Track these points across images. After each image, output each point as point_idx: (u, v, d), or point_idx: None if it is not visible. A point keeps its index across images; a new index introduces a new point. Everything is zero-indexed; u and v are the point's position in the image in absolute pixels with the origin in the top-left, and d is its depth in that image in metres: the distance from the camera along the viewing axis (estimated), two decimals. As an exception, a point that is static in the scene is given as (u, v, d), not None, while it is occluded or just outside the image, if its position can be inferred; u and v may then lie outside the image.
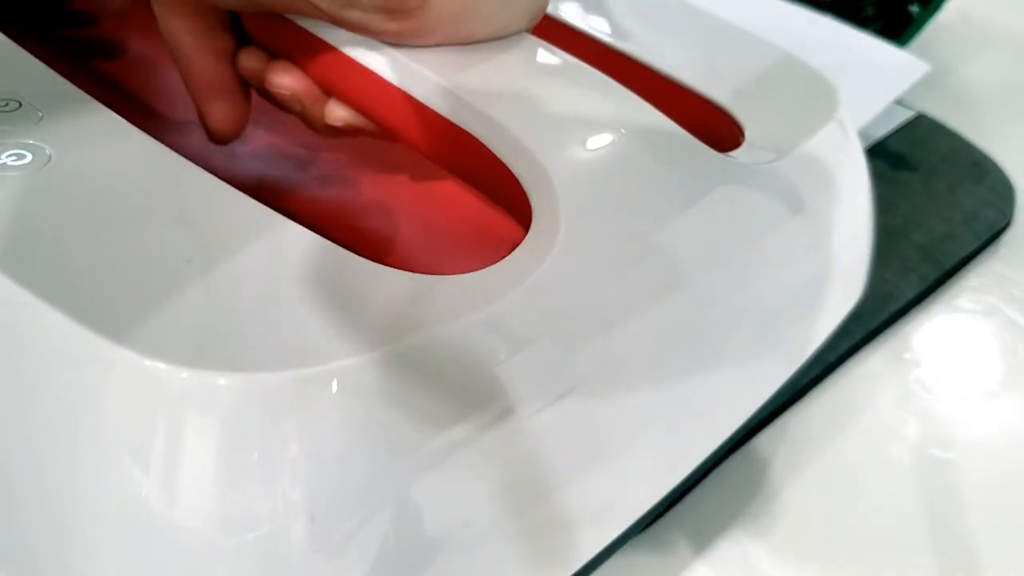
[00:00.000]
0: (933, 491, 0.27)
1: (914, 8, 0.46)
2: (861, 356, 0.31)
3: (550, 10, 0.24)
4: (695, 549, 0.25)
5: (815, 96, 0.27)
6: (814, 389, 0.30)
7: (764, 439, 0.28)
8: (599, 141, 0.21)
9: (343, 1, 0.20)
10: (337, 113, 0.23)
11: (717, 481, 0.27)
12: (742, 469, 0.27)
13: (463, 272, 0.18)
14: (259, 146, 0.26)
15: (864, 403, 0.29)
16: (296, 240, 0.18)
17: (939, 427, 0.29)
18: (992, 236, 0.35)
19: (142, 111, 0.29)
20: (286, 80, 0.23)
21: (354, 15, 0.20)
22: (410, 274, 0.18)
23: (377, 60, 0.22)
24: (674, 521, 0.25)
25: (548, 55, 0.23)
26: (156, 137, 0.21)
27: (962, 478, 0.27)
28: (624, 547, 0.22)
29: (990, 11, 0.50)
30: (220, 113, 0.24)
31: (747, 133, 0.24)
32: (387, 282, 0.18)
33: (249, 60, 0.23)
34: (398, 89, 0.22)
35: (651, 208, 0.21)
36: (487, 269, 0.18)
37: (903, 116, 0.40)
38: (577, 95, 0.22)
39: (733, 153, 0.23)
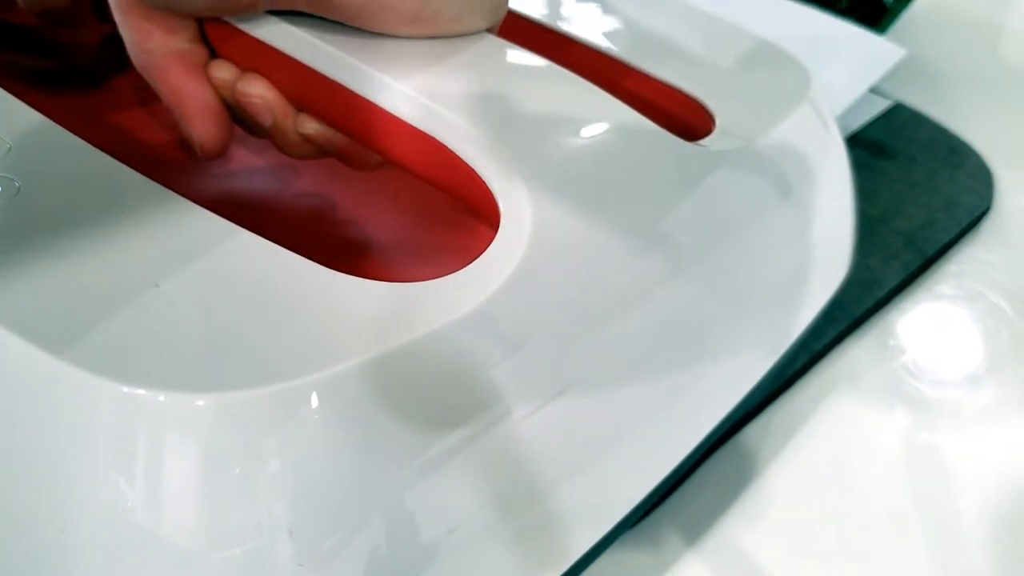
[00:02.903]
0: (921, 476, 0.27)
1: (888, -1, 0.46)
2: (846, 344, 0.31)
3: (515, 5, 0.24)
4: (686, 542, 0.25)
5: (786, 78, 0.27)
6: (800, 379, 0.30)
7: (752, 430, 0.28)
8: (565, 140, 0.21)
9: None
10: (309, 123, 0.23)
11: (706, 474, 0.26)
12: (731, 461, 0.27)
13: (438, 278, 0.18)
14: (231, 164, 0.26)
15: (850, 391, 0.29)
16: (266, 255, 0.18)
17: (926, 412, 0.29)
18: (972, 222, 0.35)
19: (115, 138, 0.29)
20: (257, 89, 0.23)
21: None
22: (377, 283, 0.18)
23: (342, 71, 0.22)
24: (664, 515, 0.25)
25: (511, 55, 0.23)
26: (131, 162, 0.20)
27: (950, 462, 0.27)
28: (615, 543, 0.22)
29: (962, 0, 0.51)
30: (203, 127, 0.24)
31: (718, 120, 0.24)
32: (358, 293, 0.18)
33: (220, 71, 0.23)
34: (364, 99, 0.22)
35: (621, 202, 0.21)
36: (456, 273, 0.18)
37: (881, 105, 0.41)
38: (541, 94, 0.22)
39: (704, 141, 0.23)
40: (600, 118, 0.22)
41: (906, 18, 0.46)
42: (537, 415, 0.18)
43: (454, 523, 0.18)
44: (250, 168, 0.28)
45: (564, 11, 0.28)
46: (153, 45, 0.23)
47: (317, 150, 0.24)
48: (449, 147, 0.21)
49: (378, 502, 0.17)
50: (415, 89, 0.21)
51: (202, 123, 0.23)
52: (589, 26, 0.27)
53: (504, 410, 0.18)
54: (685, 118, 0.25)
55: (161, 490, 0.16)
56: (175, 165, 0.27)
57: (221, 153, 0.24)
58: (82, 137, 0.21)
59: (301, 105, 0.23)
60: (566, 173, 0.20)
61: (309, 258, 0.18)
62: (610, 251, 0.20)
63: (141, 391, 0.15)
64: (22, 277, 0.17)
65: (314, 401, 0.16)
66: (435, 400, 0.17)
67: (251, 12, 0.22)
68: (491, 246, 0.19)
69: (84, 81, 0.31)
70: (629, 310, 0.20)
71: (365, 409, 0.16)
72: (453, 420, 0.17)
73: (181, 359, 0.16)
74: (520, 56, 0.23)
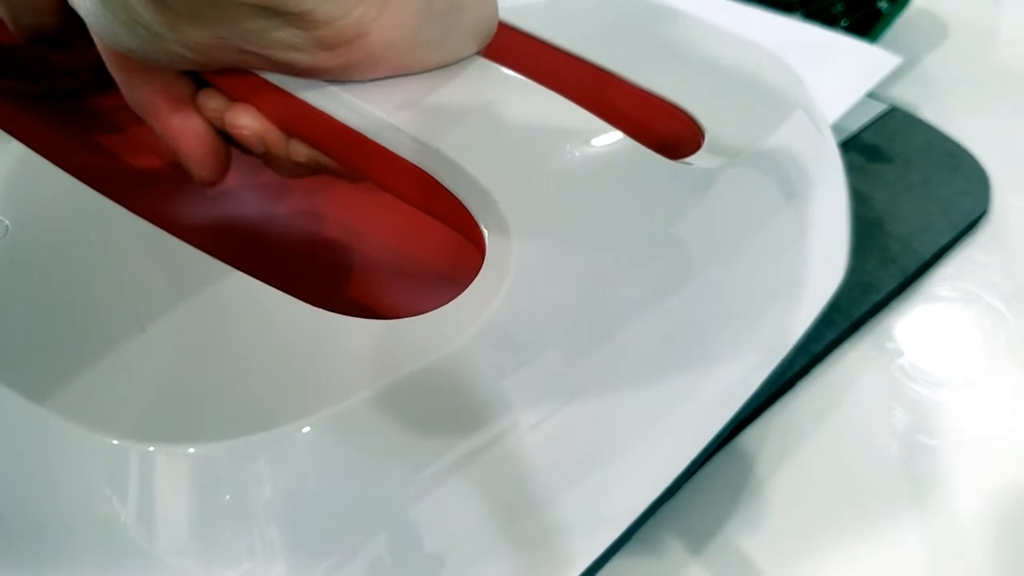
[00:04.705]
0: (920, 478, 0.27)
1: (882, 4, 0.47)
2: (844, 348, 0.31)
3: (503, 15, 0.24)
4: (686, 547, 0.25)
5: (778, 85, 0.26)
6: (798, 382, 0.30)
7: (750, 434, 0.28)
8: (548, 167, 0.21)
9: (286, 44, 0.20)
10: (301, 149, 0.23)
11: (706, 478, 0.27)
12: (730, 465, 0.27)
13: (431, 306, 0.18)
14: (224, 184, 0.26)
15: (849, 394, 0.29)
16: (254, 296, 0.18)
17: (924, 415, 0.29)
18: (969, 225, 0.36)
19: (107, 160, 0.29)
20: (247, 120, 0.23)
21: (300, 58, 0.21)
22: (366, 321, 0.18)
23: (329, 101, 0.22)
24: (664, 520, 0.25)
25: (495, 79, 0.23)
26: (122, 185, 0.20)
27: (948, 464, 0.27)
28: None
29: (955, 5, 0.51)
30: (198, 158, 0.24)
31: (707, 133, 0.24)
32: (347, 332, 0.18)
33: (209, 101, 0.23)
34: (352, 129, 0.22)
35: (606, 227, 0.20)
36: (444, 308, 0.18)
37: (876, 109, 0.41)
38: (524, 120, 0.22)
39: (691, 158, 0.23)
40: (585, 142, 0.22)
41: (901, 22, 0.47)
42: (535, 434, 0.18)
43: (449, 551, 0.18)
44: (242, 188, 0.28)
45: (552, 20, 0.28)
46: (139, 82, 0.23)
47: (309, 171, 0.24)
48: (435, 177, 0.21)
49: (372, 535, 0.17)
50: (401, 120, 0.21)
51: (197, 155, 0.24)
52: (577, 35, 0.27)
53: (501, 430, 0.18)
54: (673, 132, 0.25)
55: (155, 542, 0.16)
56: (167, 186, 0.27)
57: (220, 180, 0.24)
58: (73, 160, 0.21)
59: (291, 133, 0.23)
60: (550, 201, 0.20)
61: (300, 286, 0.18)
62: (596, 275, 0.20)
63: (131, 443, 0.15)
64: (10, 324, 0.17)
65: (304, 445, 0.16)
66: (428, 432, 0.17)
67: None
68: (477, 278, 0.19)
69: (75, 102, 0.31)
70: (622, 328, 0.20)
71: (355, 450, 0.16)
72: (448, 448, 0.17)
73: (170, 407, 0.16)
74: (504, 79, 0.23)
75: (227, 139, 0.24)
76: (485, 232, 0.20)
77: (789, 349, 0.25)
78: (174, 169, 0.24)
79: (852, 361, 0.30)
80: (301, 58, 0.20)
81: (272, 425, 0.16)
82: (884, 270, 0.33)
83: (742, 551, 0.25)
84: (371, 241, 0.27)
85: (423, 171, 0.21)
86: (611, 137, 0.22)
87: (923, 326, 0.32)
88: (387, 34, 0.20)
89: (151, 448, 0.15)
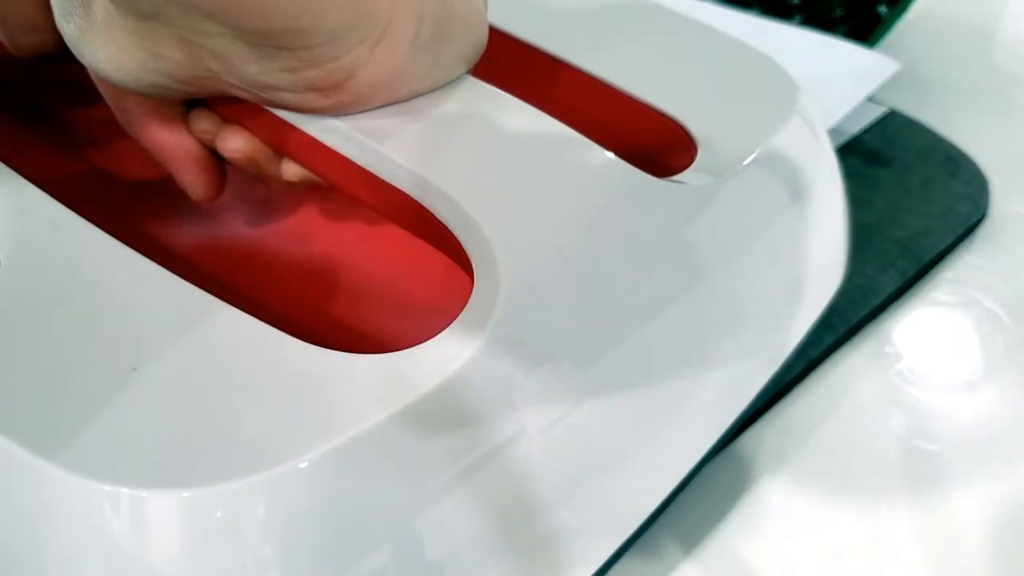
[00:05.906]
0: (919, 483, 0.27)
1: (882, 9, 0.47)
2: (842, 352, 0.31)
3: (493, 19, 0.24)
4: (684, 551, 0.25)
5: (774, 91, 0.26)
6: (797, 386, 0.30)
7: (749, 438, 0.28)
8: (533, 192, 0.21)
9: (274, 86, 0.20)
10: (293, 168, 0.23)
11: (704, 482, 0.27)
12: (728, 469, 0.27)
13: (420, 326, 0.18)
14: (216, 202, 0.26)
15: (847, 398, 0.29)
16: (245, 333, 0.18)
17: (923, 419, 0.29)
18: (968, 229, 0.36)
19: (99, 181, 0.29)
20: (238, 143, 0.23)
21: (288, 97, 0.21)
22: (358, 356, 0.18)
23: (318, 127, 0.22)
24: (662, 525, 0.25)
25: (481, 101, 0.23)
26: (115, 206, 0.20)
27: (947, 469, 0.27)
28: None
29: (955, 9, 0.51)
30: (193, 178, 0.24)
31: (701, 145, 0.24)
32: (339, 369, 0.18)
33: (200, 122, 0.23)
34: (340, 155, 0.22)
35: (593, 251, 0.20)
36: (432, 341, 0.18)
37: (875, 113, 0.41)
38: (509, 143, 0.22)
39: (683, 176, 0.23)
40: (572, 165, 0.22)
41: (900, 26, 0.47)
42: (534, 452, 0.18)
43: (453, 565, 0.18)
44: (235, 203, 0.28)
45: (542, 24, 0.27)
46: (129, 104, 0.23)
47: (302, 188, 0.24)
48: (423, 204, 0.21)
49: (375, 559, 0.17)
50: (389, 148, 0.21)
51: (191, 175, 0.24)
52: (568, 39, 0.27)
53: (501, 448, 0.18)
54: (666, 145, 0.25)
55: None
56: (161, 200, 0.27)
57: (216, 197, 0.24)
58: (67, 172, 0.21)
59: (282, 154, 0.23)
60: (537, 228, 0.20)
61: (290, 303, 0.18)
62: (587, 298, 0.20)
63: (124, 488, 0.15)
64: (1, 368, 0.17)
65: (299, 483, 0.16)
66: (424, 461, 0.17)
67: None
68: (465, 308, 0.19)
69: (72, 114, 0.31)
70: (618, 344, 0.20)
71: (351, 485, 0.16)
72: (446, 472, 0.17)
73: (163, 450, 0.16)
74: (491, 102, 0.23)
75: (220, 156, 0.24)
76: (472, 260, 0.20)
77: (788, 354, 0.25)
78: (168, 183, 0.24)
79: (851, 366, 0.30)
80: (290, 98, 0.21)
81: (265, 467, 0.16)
82: (883, 274, 0.33)
83: (739, 555, 0.25)
84: (364, 260, 0.27)
85: (411, 198, 0.21)
86: (600, 159, 0.22)
87: (922, 330, 0.32)
88: (376, 74, 0.20)
89: (143, 494, 0.15)
